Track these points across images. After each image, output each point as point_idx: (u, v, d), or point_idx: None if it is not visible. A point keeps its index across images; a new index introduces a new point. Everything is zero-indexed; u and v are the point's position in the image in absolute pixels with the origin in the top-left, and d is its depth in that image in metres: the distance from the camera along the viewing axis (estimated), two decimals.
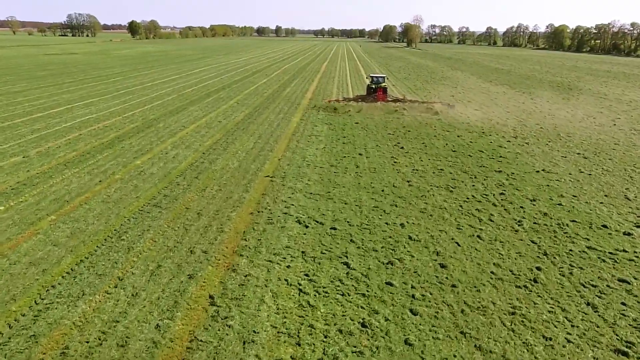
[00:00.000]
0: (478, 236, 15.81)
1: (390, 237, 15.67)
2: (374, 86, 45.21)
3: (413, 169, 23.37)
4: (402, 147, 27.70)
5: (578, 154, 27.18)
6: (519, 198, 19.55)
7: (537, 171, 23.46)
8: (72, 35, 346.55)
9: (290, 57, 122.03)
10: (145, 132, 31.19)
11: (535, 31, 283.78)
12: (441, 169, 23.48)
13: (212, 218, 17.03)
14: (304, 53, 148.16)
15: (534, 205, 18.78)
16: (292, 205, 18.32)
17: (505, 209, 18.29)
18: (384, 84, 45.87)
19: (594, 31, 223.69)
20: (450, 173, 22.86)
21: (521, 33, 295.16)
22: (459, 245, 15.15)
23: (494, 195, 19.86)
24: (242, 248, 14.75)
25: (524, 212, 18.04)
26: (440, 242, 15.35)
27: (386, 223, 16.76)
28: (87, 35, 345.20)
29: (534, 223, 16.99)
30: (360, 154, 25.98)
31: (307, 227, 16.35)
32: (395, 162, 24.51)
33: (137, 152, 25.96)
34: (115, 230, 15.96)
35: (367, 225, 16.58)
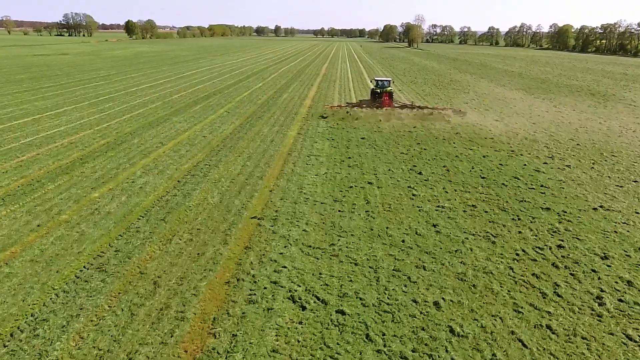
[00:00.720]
0: (548, 327, 11.07)
1: (422, 328, 10.94)
2: (379, 90, 41.35)
3: (438, 206, 18.63)
4: (420, 173, 22.94)
5: (635, 181, 22.44)
6: (585, 254, 14.81)
7: (594, 208, 18.71)
8: (69, 35, 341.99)
9: (289, 58, 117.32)
10: (116, 150, 26.44)
11: (538, 31, 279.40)
12: (473, 206, 18.73)
13: (172, 292, 12.29)
14: (304, 54, 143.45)
15: (609, 267, 14.03)
16: (284, 267, 13.60)
17: (572, 274, 13.56)
18: (389, 88, 41.84)
19: (600, 31, 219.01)
20: (486, 212, 18.11)
21: (524, 33, 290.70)
22: (525, 345, 10.41)
23: (550, 249, 15.12)
24: (208, 354, 10.02)
25: (599, 279, 13.31)
26: (497, 339, 10.61)
27: (414, 301, 12.03)
28: (84, 35, 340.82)
29: (619, 300, 12.28)
30: (370, 183, 21.24)
31: (303, 308, 11.64)
32: (414, 195, 19.77)
33: (98, 180, 21.21)
34: (32, 316, 11.23)
35: (387, 304, 11.84)
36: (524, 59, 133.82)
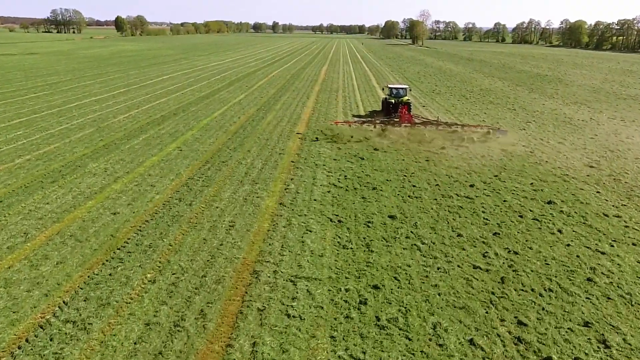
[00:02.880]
0: None
1: None
2: (393, 101, 33.99)
3: None
4: (488, 264, 10.16)
5: None
6: None
7: None
8: (57, 32, 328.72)
9: (284, 59, 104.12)
10: None
11: (548, 27, 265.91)
12: None
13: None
14: (300, 52, 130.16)
15: None
16: None
17: None
18: (406, 97, 34.20)
19: (617, 27, 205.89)
20: None
21: (532, 29, 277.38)
22: None
23: None
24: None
25: None
26: None
27: None
28: (74, 32, 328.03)
29: None
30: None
31: None
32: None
33: None
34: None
35: None
36: (545, 58, 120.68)
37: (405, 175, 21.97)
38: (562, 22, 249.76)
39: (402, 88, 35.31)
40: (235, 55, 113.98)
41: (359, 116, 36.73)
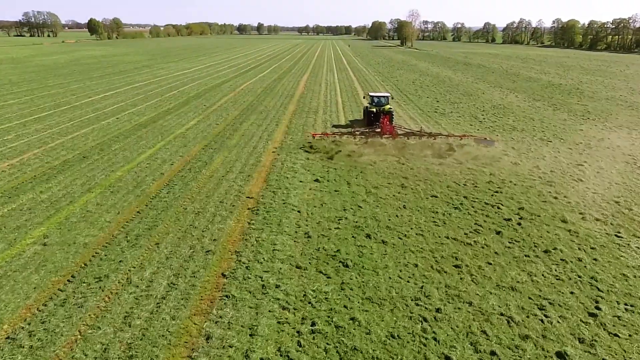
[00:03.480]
0: None
1: None
2: (375, 110, 32.44)
3: None
4: None
5: None
6: None
7: None
8: (30, 36, 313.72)
9: (262, 65, 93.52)
10: None
11: (539, 27, 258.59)
12: None
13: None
14: (281, 57, 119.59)
15: None
16: None
17: None
18: (388, 106, 32.74)
19: (612, 26, 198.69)
20: None
21: (523, 29, 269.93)
22: None
23: None
24: None
25: None
26: None
27: None
28: (49, 36, 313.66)
29: None
30: None
31: None
32: None
33: None
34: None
35: None
36: (545, 61, 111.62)
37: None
38: (554, 22, 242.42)
39: (383, 96, 33.72)
40: (208, 61, 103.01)
41: (339, 126, 34.24)
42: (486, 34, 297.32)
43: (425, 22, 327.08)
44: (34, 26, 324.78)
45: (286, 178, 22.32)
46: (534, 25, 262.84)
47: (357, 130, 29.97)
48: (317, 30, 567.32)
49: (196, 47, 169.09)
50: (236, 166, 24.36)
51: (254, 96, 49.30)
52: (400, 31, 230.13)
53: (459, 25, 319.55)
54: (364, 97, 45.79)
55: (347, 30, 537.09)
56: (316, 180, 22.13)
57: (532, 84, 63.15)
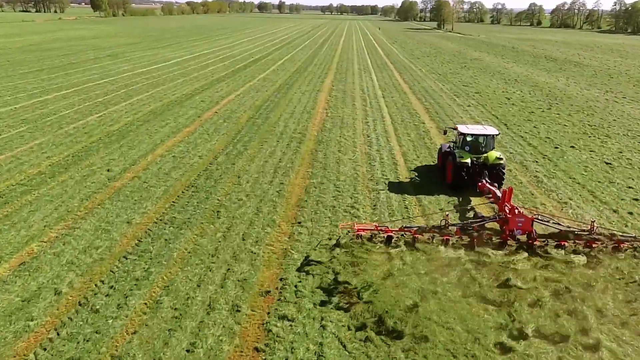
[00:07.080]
0: None
1: None
2: (469, 161, 17.61)
3: None
4: None
5: None
6: None
7: None
8: (36, 11, 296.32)
9: (272, 54, 70.13)
10: None
11: (596, 9, 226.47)
12: None
13: None
14: (300, 43, 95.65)
15: None
16: None
17: None
18: (496, 153, 18.08)
19: None
20: None
21: (576, 11, 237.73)
22: None
23: None
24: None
25: None
26: None
27: None
28: (55, 11, 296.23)
29: None
30: None
31: None
32: None
33: None
34: None
35: None
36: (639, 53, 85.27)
37: None
38: (615, 3, 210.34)
39: (486, 135, 18.23)
40: (203, 47, 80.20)
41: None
42: (531, 16, 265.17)
43: (462, 2, 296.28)
44: (39, 1, 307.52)
45: None
46: (589, 7, 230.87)
47: (449, 225, 13.72)
48: (341, 9, 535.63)
49: (201, 29, 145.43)
50: None
51: (249, 115, 26.42)
52: (440, 12, 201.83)
53: (500, 6, 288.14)
54: (445, 132, 21.96)
55: (373, 10, 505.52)
56: None
57: None
